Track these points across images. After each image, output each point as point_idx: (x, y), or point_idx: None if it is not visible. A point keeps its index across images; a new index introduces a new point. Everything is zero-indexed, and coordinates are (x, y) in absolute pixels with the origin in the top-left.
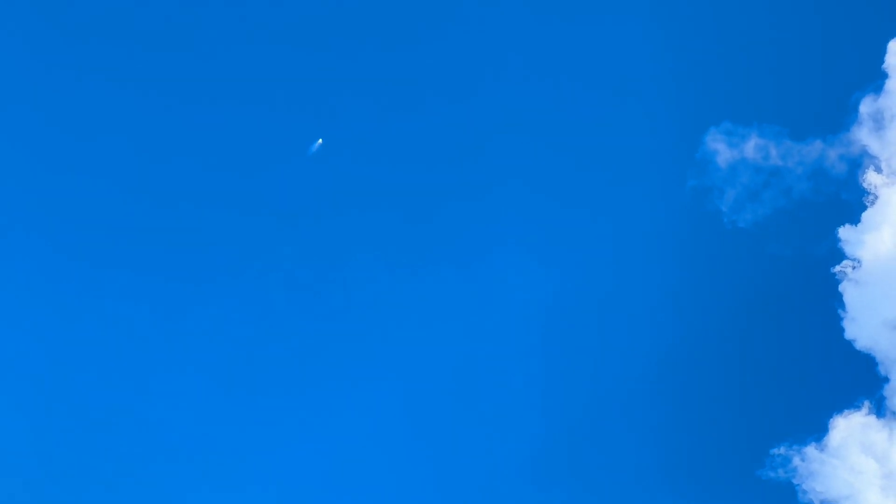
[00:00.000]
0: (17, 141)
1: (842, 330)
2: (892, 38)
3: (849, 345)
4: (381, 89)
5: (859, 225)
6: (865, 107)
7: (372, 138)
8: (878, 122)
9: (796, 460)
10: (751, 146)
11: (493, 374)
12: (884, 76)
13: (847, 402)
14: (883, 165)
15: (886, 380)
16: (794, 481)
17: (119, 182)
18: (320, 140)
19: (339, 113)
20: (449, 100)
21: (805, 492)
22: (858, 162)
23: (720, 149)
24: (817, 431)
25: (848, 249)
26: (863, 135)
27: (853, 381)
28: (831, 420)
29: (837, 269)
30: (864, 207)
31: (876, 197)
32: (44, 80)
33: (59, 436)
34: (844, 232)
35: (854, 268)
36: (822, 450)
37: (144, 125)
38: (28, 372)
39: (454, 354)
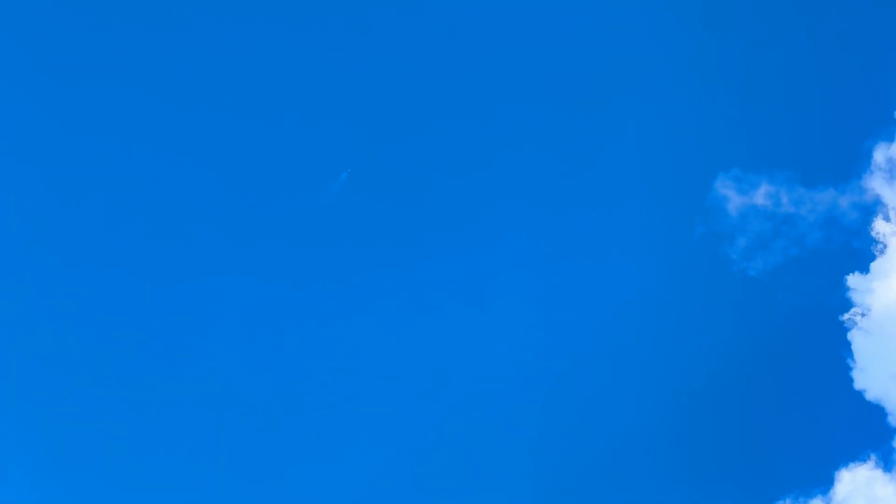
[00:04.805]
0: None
1: (851, 380)
2: None
3: (859, 396)
4: (391, 106)
5: (868, 274)
6: (879, 154)
7: (376, 150)
8: (892, 171)
9: None
10: (761, 193)
11: (486, 418)
12: None
13: (853, 455)
14: (892, 214)
15: None
16: None
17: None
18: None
19: (343, 119)
20: (459, 165)
21: None
22: (872, 210)
23: (730, 195)
24: (823, 484)
25: (856, 298)
26: (875, 183)
27: (861, 433)
28: (837, 473)
29: (846, 317)
30: (875, 256)
31: (885, 246)
32: (70, 109)
33: (63, 438)
34: (853, 280)
35: (863, 315)
36: (827, 503)
37: (160, 146)
38: (37, 375)
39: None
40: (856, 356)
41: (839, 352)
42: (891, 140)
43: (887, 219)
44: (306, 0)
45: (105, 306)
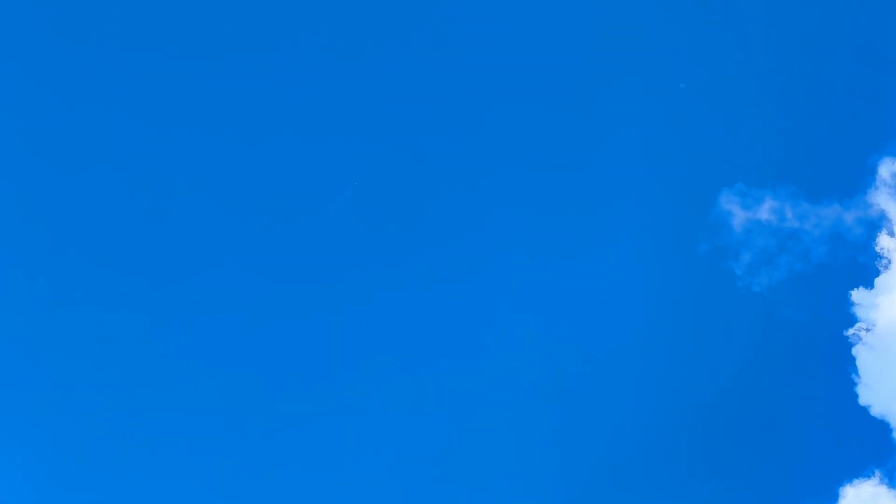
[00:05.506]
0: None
1: (856, 396)
2: None
3: (863, 411)
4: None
5: (873, 289)
6: (884, 169)
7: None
8: None
9: None
10: (765, 208)
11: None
12: None
13: (858, 471)
14: None
15: None
16: None
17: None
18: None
19: (346, 135)
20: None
21: None
22: (876, 225)
23: (734, 210)
24: (827, 500)
25: (861, 313)
26: (880, 198)
27: (866, 448)
28: (841, 489)
29: (850, 332)
30: (880, 272)
31: (889, 261)
32: (83, 125)
33: (63, 438)
34: (858, 295)
35: (868, 331)
36: None
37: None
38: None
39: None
40: (860, 372)
41: (844, 367)
42: None
43: (892, 234)
44: (309, 18)
45: (110, 313)
